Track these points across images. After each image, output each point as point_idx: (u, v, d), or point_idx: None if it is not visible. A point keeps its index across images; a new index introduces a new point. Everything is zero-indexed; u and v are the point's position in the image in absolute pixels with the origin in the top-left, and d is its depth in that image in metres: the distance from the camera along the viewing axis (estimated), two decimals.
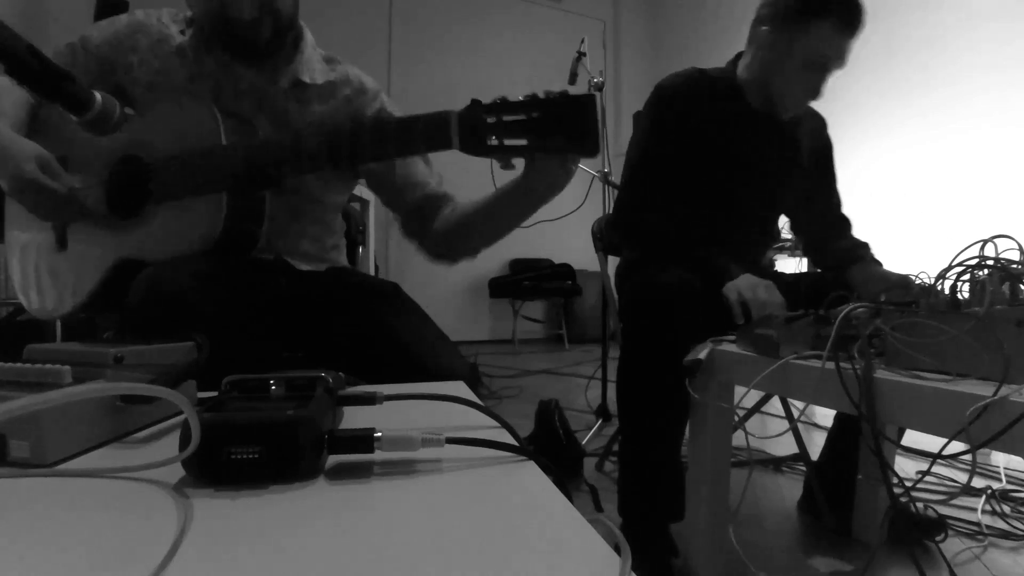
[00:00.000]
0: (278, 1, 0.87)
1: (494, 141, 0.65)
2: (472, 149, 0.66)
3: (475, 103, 0.66)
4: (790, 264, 3.33)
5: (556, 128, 0.63)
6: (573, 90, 0.65)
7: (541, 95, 0.64)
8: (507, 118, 0.64)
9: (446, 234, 0.99)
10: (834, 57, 1.11)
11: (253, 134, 0.86)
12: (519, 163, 0.71)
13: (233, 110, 0.90)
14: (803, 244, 1.42)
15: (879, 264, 1.21)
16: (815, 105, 1.32)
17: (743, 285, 1.01)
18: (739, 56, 1.25)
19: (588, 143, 0.63)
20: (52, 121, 0.91)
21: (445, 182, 1.04)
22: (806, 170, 1.30)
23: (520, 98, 0.65)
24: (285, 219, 0.97)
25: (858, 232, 1.33)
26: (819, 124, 1.34)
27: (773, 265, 1.46)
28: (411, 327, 0.92)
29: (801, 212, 1.37)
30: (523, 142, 0.64)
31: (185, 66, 0.91)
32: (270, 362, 0.80)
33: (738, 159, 1.23)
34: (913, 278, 1.04)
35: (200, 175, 0.80)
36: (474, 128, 0.65)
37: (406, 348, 0.86)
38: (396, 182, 1.01)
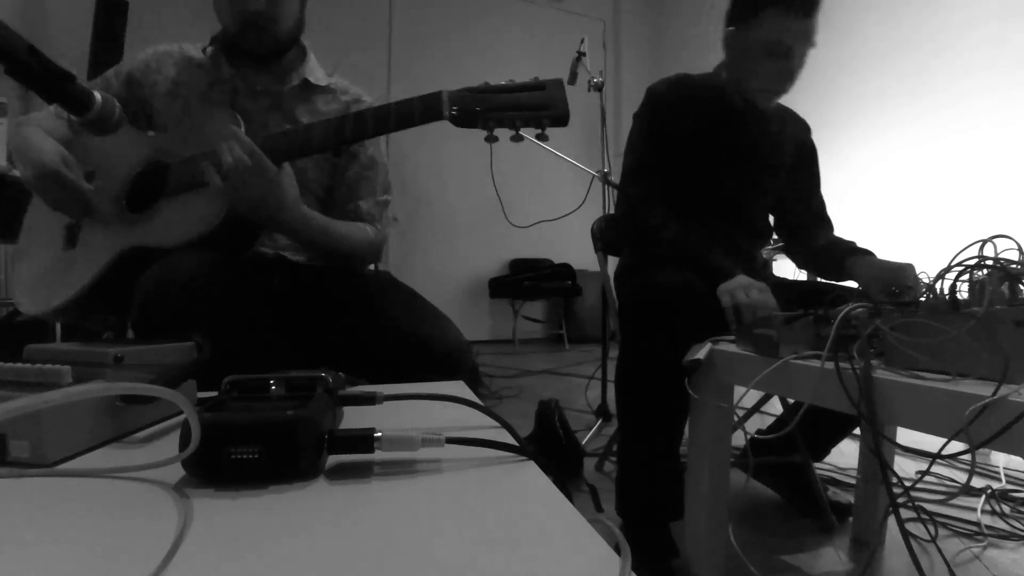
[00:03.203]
0: (282, 2, 0.98)
1: (478, 115, 0.76)
2: (461, 119, 0.76)
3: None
4: (789, 265, 3.33)
5: (529, 104, 0.75)
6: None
7: (516, 81, 0.78)
8: (491, 96, 0.76)
9: None
10: (794, 41, 1.13)
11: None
12: (503, 136, 0.79)
13: (248, 109, 1.00)
14: (785, 244, 1.42)
15: (874, 255, 1.21)
16: (804, 110, 1.38)
17: (736, 286, 1.00)
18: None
19: (556, 114, 0.75)
20: (84, 147, 0.95)
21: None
22: (789, 170, 1.34)
23: (499, 84, 0.78)
24: None
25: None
26: (803, 128, 1.38)
27: (769, 266, 1.45)
28: (407, 313, 0.95)
29: (786, 213, 1.39)
30: (505, 113, 0.75)
31: (205, 76, 1.02)
32: (270, 361, 0.80)
33: (726, 157, 1.26)
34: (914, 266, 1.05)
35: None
36: (462, 100, 0.76)
37: (404, 334, 0.90)
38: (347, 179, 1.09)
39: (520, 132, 0.77)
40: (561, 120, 0.75)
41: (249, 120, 0.96)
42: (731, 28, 1.20)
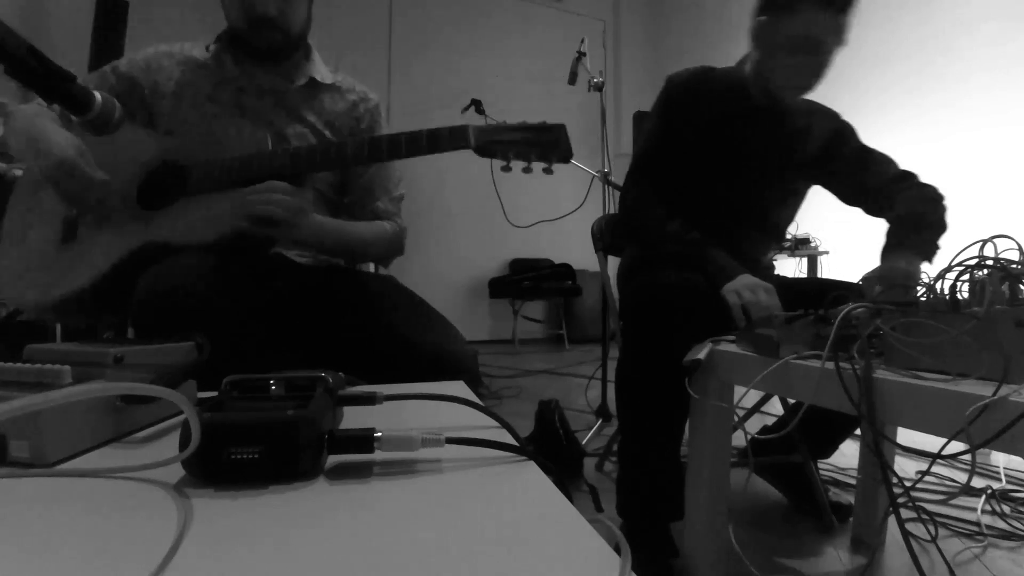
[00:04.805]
0: (293, 4, 1.00)
1: (497, 145, 0.90)
2: (483, 150, 0.90)
3: (485, 126, 0.92)
4: (789, 264, 3.33)
5: (539, 142, 0.92)
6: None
7: (528, 123, 0.93)
8: (509, 132, 0.92)
9: None
10: (824, 37, 1.09)
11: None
12: (515, 166, 0.93)
13: (254, 108, 1.02)
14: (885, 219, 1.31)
15: (913, 253, 1.16)
16: (827, 100, 1.31)
17: (742, 286, 1.00)
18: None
19: (561, 153, 0.92)
20: (87, 141, 0.94)
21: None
22: (830, 160, 1.27)
23: (515, 123, 0.93)
24: None
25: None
26: (831, 118, 1.32)
27: (772, 267, 1.43)
28: (412, 319, 0.96)
29: (855, 198, 1.31)
30: (517, 148, 0.91)
31: (209, 76, 1.03)
32: (270, 362, 0.80)
33: (740, 156, 1.23)
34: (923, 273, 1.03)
35: (238, 173, 0.87)
36: (484, 134, 0.91)
37: (409, 341, 0.90)
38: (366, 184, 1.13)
39: (530, 165, 0.93)
40: (565, 159, 0.93)
41: (254, 118, 1.00)
42: (762, 18, 1.14)
